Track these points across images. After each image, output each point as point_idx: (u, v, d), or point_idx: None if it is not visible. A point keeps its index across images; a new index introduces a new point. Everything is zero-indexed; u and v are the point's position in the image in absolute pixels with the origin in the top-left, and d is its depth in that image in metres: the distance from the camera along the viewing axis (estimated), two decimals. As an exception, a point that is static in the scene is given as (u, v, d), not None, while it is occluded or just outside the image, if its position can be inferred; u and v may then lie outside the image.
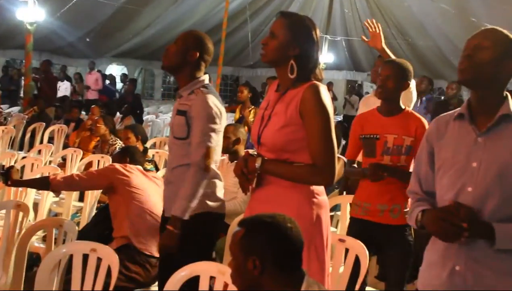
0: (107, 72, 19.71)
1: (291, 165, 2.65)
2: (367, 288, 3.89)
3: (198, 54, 3.22)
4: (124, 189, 3.98)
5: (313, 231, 2.65)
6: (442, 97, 15.59)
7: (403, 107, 3.62)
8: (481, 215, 2.16)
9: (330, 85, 16.80)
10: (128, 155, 4.44)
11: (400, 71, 3.58)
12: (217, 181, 3.28)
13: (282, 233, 2.05)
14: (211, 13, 16.05)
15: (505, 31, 2.27)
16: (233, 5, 14.56)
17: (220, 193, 3.29)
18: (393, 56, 4.33)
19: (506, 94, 2.27)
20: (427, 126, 3.46)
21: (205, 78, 3.30)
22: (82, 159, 6.39)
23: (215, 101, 3.19)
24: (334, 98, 16.31)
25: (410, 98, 4.41)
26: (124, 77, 17.82)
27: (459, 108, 2.32)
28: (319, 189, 2.72)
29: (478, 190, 2.17)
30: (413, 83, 4.31)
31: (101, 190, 4.90)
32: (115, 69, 20.73)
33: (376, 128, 3.64)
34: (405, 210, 3.53)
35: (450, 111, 2.38)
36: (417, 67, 4.11)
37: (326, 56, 15.88)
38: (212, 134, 3.14)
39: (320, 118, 2.61)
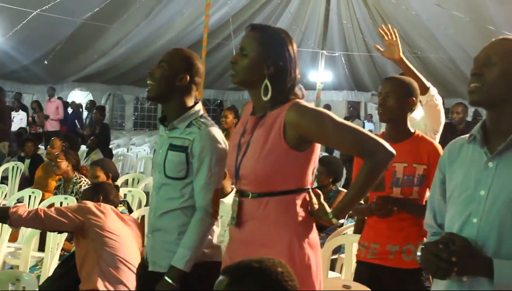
0: (69, 99, 19.77)
1: (351, 187, 2.69)
2: None
3: (188, 77, 3.20)
4: (96, 232, 3.95)
5: (305, 275, 2.65)
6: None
7: (412, 130, 3.62)
8: (485, 250, 2.17)
9: (327, 108, 16.89)
10: (102, 193, 4.41)
11: (402, 87, 3.59)
12: (214, 226, 3.26)
13: (272, 280, 2.06)
14: (189, 29, 16.25)
15: None
16: (214, 18, 14.71)
17: (216, 239, 3.29)
18: (414, 69, 4.32)
19: None
20: (441, 151, 3.45)
21: (199, 107, 3.29)
22: (41, 200, 6.38)
23: (221, 135, 3.19)
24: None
25: (437, 120, 4.32)
26: (90, 104, 17.88)
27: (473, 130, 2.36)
28: (310, 226, 2.74)
29: (484, 221, 2.19)
30: (439, 100, 4.28)
31: (65, 237, 4.88)
32: (79, 96, 20.82)
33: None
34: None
35: (466, 135, 2.40)
36: (429, 85, 4.26)
37: (323, 75, 16.00)
38: (220, 174, 3.19)
39: (325, 120, 2.61)
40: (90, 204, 4.07)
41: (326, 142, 2.67)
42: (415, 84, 3.68)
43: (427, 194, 3.53)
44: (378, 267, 3.62)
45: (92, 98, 19.11)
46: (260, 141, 2.67)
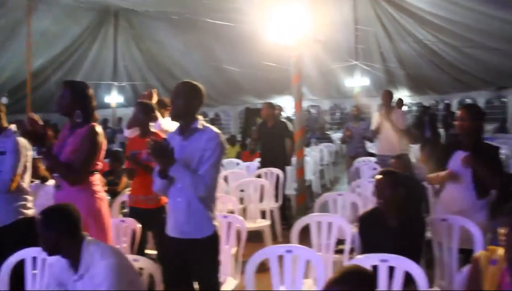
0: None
1: (65, 164, 3.02)
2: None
3: None
4: None
5: (98, 215, 3.10)
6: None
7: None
8: None
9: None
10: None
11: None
12: (28, 196, 3.47)
13: (64, 213, 2.43)
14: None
15: (191, 82, 2.87)
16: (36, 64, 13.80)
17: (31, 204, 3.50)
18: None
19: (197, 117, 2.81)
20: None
21: (11, 128, 3.42)
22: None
23: (25, 142, 3.36)
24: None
25: None
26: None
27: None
28: (98, 188, 3.14)
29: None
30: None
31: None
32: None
33: (138, 145, 4.08)
34: (158, 197, 3.91)
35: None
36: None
37: (115, 98, 16.68)
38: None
39: (88, 146, 3.05)
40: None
41: (79, 148, 3.01)
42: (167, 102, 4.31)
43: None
44: (137, 209, 4.09)
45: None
46: (71, 144, 3.09)
